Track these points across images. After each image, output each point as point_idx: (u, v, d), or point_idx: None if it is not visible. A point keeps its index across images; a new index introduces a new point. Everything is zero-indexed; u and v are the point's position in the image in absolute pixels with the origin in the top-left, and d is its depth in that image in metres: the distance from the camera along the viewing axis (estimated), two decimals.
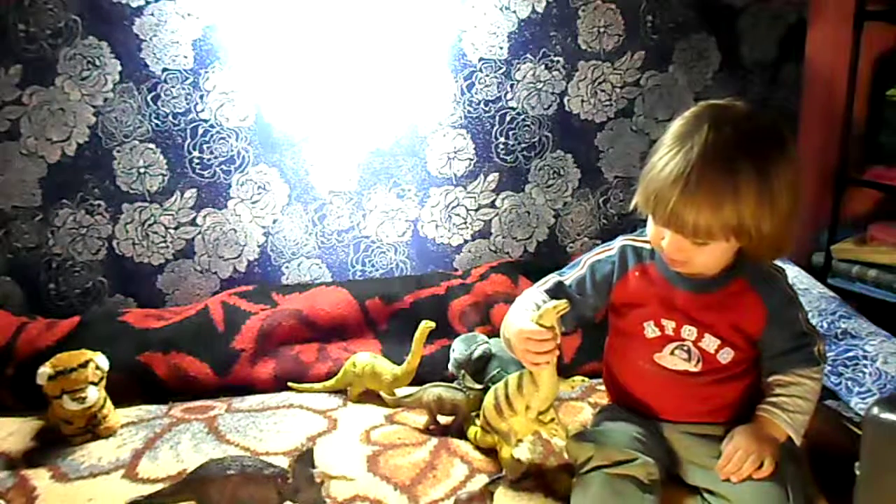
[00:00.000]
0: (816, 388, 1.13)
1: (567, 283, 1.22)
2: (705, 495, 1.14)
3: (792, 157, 1.06)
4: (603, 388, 1.51)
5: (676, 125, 1.07)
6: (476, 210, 1.95)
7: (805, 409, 1.11)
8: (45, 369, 1.32)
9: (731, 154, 1.00)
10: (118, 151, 1.74)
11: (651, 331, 1.16)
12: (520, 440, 1.28)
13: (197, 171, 1.79)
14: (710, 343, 1.13)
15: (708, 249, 1.05)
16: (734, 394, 1.18)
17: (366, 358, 1.52)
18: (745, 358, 1.15)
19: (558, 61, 1.89)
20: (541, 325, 1.09)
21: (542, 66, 1.88)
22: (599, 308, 1.22)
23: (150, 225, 1.80)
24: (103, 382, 1.38)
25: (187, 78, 1.73)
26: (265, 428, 1.41)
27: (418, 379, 1.48)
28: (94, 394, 1.34)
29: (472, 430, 1.35)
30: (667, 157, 1.03)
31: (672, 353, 1.15)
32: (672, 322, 1.15)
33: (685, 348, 1.14)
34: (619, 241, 1.21)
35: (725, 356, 1.13)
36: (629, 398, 1.23)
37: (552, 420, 1.20)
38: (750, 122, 1.04)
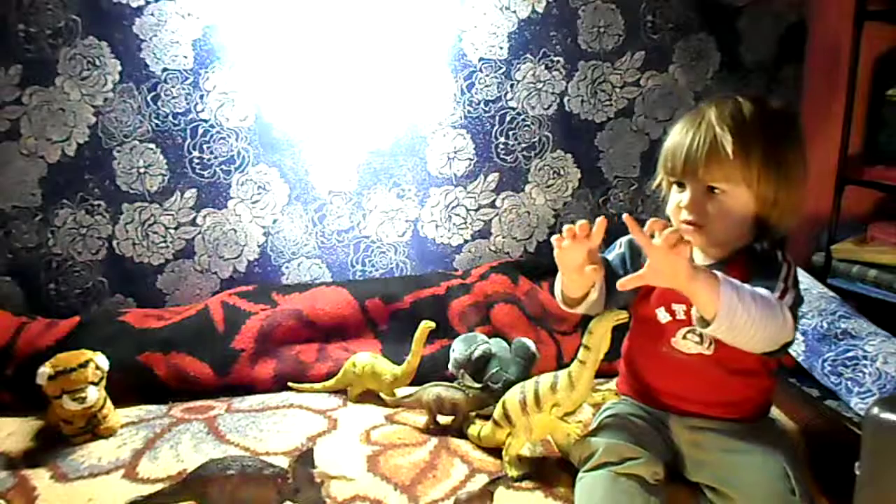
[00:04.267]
0: (773, 306, 1.03)
1: (610, 259, 1.26)
2: (708, 493, 1.14)
3: (798, 127, 1.15)
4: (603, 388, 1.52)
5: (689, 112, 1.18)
6: (476, 210, 1.95)
7: (748, 308, 1.00)
8: (45, 369, 1.32)
9: (740, 114, 1.11)
10: (118, 151, 1.75)
11: (663, 316, 1.19)
12: (531, 440, 1.28)
13: (197, 171, 1.79)
14: None
15: (722, 206, 1.10)
16: (747, 389, 1.19)
17: (366, 358, 1.52)
18: None
19: (558, 61, 1.89)
20: (595, 331, 1.17)
21: (542, 66, 1.88)
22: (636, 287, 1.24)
23: (150, 225, 1.80)
24: (103, 382, 1.38)
25: (187, 78, 1.73)
26: (265, 428, 1.41)
27: (418, 379, 1.48)
28: (94, 394, 1.34)
29: (473, 430, 1.35)
30: (681, 124, 1.15)
31: (685, 337, 1.18)
32: (682, 305, 1.17)
33: (697, 331, 1.17)
34: None
35: None
36: (646, 387, 1.25)
37: (579, 422, 1.22)
38: (760, 100, 1.14)
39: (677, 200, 1.14)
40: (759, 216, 1.13)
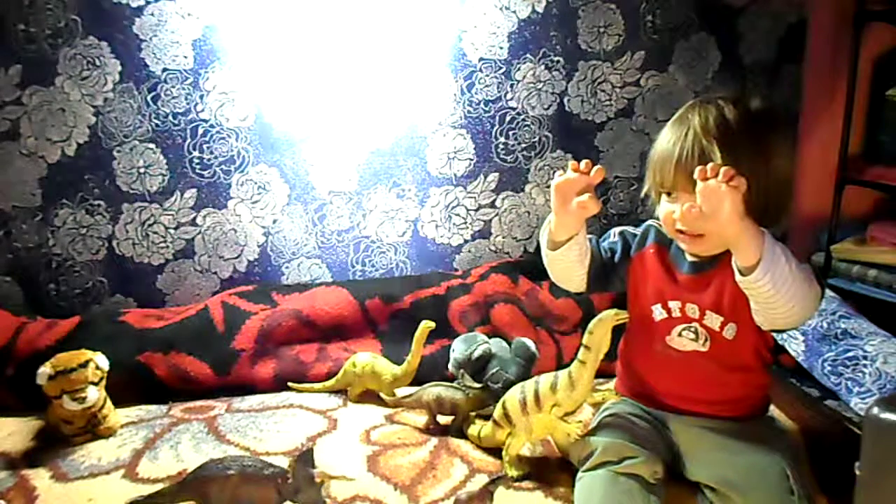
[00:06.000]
0: (807, 268, 1.03)
1: (603, 246, 1.28)
2: (707, 493, 1.14)
3: (782, 124, 1.16)
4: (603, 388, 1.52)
5: (672, 118, 1.16)
6: (476, 210, 1.95)
7: (790, 262, 1.00)
8: (45, 369, 1.32)
9: (725, 122, 1.09)
10: (118, 151, 1.75)
11: (659, 313, 1.20)
12: (531, 440, 1.28)
13: (197, 171, 1.79)
14: (713, 320, 1.16)
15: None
16: (744, 386, 1.20)
17: (366, 358, 1.52)
18: (752, 335, 1.15)
19: (558, 61, 1.89)
20: (596, 330, 1.17)
21: (542, 66, 1.88)
22: (623, 277, 1.26)
23: (150, 225, 1.80)
24: (103, 382, 1.38)
25: (187, 78, 1.73)
26: (265, 428, 1.41)
27: (418, 379, 1.48)
28: (94, 394, 1.34)
29: (473, 430, 1.35)
30: (667, 133, 1.14)
31: (680, 334, 1.19)
32: (677, 302, 1.18)
33: (692, 328, 1.18)
34: (648, 222, 1.27)
35: (730, 331, 1.15)
36: (644, 386, 1.25)
37: (579, 423, 1.22)
38: (742, 101, 1.13)
39: (669, 210, 1.13)
40: (752, 215, 1.12)
